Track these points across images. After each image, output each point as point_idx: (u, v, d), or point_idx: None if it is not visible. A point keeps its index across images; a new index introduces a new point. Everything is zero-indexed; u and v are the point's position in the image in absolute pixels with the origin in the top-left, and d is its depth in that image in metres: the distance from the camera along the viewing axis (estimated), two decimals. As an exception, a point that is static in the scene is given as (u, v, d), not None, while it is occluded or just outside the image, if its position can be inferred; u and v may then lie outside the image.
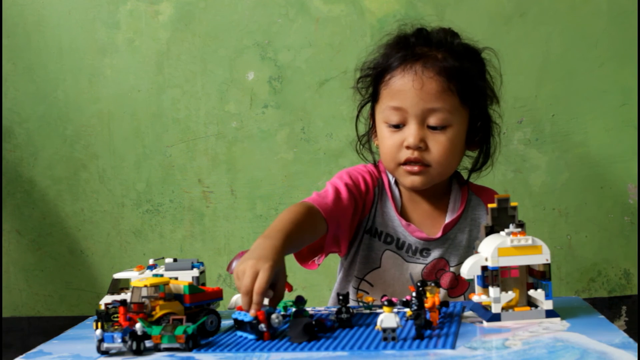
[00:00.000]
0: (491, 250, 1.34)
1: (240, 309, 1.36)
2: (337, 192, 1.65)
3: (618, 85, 2.26)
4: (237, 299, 1.47)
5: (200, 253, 2.36)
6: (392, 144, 1.65)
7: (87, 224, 2.41)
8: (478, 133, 1.70)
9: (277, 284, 1.38)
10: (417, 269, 1.69)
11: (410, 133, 1.63)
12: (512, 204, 1.41)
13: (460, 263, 1.69)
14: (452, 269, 1.70)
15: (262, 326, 1.31)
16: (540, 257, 1.35)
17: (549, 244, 1.36)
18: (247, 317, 1.32)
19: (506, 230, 1.37)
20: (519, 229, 1.36)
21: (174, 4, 2.34)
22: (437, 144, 1.63)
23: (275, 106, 2.33)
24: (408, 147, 1.63)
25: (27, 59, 2.39)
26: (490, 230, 1.41)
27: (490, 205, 1.42)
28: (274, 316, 1.31)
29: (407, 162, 1.64)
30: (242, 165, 2.36)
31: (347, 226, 1.67)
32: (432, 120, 1.62)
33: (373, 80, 1.71)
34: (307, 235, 1.56)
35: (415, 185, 1.66)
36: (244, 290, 1.34)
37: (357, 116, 1.76)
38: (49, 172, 2.41)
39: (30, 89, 2.39)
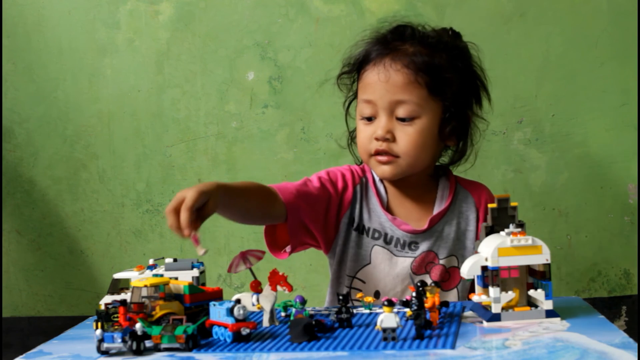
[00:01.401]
0: (491, 250, 1.34)
1: (210, 322, 1.35)
2: (305, 181, 1.70)
3: (618, 85, 2.26)
4: (238, 298, 1.47)
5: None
6: (364, 136, 1.70)
7: (87, 224, 2.41)
8: (451, 125, 1.69)
9: (203, 207, 1.41)
10: (406, 262, 1.71)
11: (380, 125, 1.67)
12: (512, 204, 1.42)
13: (449, 255, 1.72)
14: (441, 262, 1.72)
15: (243, 330, 1.31)
16: (540, 257, 1.35)
17: (549, 244, 1.36)
18: (224, 336, 1.32)
19: (506, 230, 1.37)
20: (519, 229, 1.36)
21: (174, 4, 2.34)
22: (405, 135, 1.66)
23: (275, 106, 2.34)
24: (377, 139, 1.67)
25: (27, 59, 2.39)
26: (490, 230, 1.41)
27: (490, 205, 1.42)
28: (235, 310, 1.31)
29: (377, 153, 1.68)
30: (242, 165, 2.36)
31: (320, 219, 1.70)
32: (400, 112, 1.66)
33: (354, 77, 1.76)
34: (255, 203, 1.59)
35: (385, 175, 1.70)
36: (169, 208, 1.38)
37: (346, 113, 1.81)
38: (49, 172, 2.41)
39: (30, 89, 2.39)
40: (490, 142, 2.28)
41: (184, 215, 1.37)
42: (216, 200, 1.43)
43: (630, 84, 2.26)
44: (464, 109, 1.71)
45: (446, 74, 1.67)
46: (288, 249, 1.68)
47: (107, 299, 1.51)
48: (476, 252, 1.40)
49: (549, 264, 1.35)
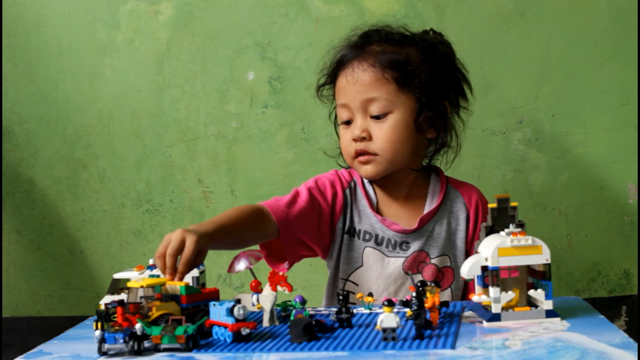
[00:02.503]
0: (491, 250, 1.34)
1: (210, 322, 1.35)
2: (295, 195, 1.72)
3: (618, 85, 2.26)
4: (238, 298, 1.47)
5: (200, 253, 2.36)
6: (345, 140, 1.73)
7: (87, 224, 2.41)
8: (425, 116, 1.70)
9: (195, 259, 1.43)
10: (397, 262, 1.71)
11: (356, 126, 1.70)
12: (512, 204, 1.42)
13: (440, 255, 1.72)
14: (433, 261, 1.73)
15: (243, 330, 1.31)
16: (540, 257, 1.35)
17: (549, 244, 1.37)
18: (224, 336, 1.32)
19: (506, 230, 1.37)
20: (519, 229, 1.36)
21: (174, 4, 2.34)
22: (380, 132, 1.69)
23: (275, 106, 2.34)
24: (355, 140, 1.70)
25: (27, 59, 2.39)
26: (490, 230, 1.41)
27: (490, 205, 1.42)
28: (235, 310, 1.31)
29: (357, 153, 1.71)
30: (242, 165, 2.36)
31: (314, 231, 1.71)
32: (373, 110, 1.69)
33: (332, 86, 1.79)
34: (248, 233, 1.60)
35: (368, 174, 1.72)
36: (170, 251, 1.40)
37: (334, 123, 1.83)
38: (49, 172, 2.41)
39: (30, 89, 2.39)
40: (490, 142, 2.28)
41: (182, 269, 1.41)
42: (206, 252, 1.47)
43: (630, 84, 2.26)
44: (439, 100, 1.72)
45: (413, 66, 1.69)
46: (286, 265, 1.69)
47: (107, 299, 1.51)
48: (476, 252, 1.40)
49: (549, 264, 1.35)
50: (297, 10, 2.31)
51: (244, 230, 1.59)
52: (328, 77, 1.79)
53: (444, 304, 1.37)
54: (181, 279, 1.41)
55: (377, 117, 1.68)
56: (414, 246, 1.72)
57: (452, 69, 1.76)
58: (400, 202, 1.76)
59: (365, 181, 1.78)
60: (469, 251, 1.74)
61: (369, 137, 1.69)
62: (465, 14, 2.27)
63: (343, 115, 1.73)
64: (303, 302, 1.44)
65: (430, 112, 1.70)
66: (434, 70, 1.71)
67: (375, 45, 1.72)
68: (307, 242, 1.71)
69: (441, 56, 1.74)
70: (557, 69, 2.27)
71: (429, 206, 1.75)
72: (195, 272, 1.53)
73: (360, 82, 1.69)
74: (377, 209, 1.75)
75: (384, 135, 1.68)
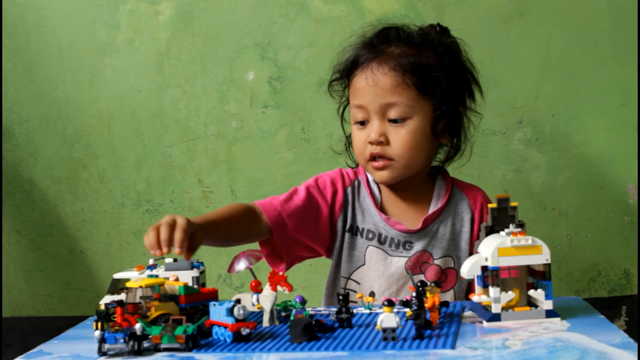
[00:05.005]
0: (491, 250, 1.34)
1: (210, 322, 1.35)
2: (292, 193, 1.72)
3: (618, 85, 2.26)
4: (238, 298, 1.47)
5: (200, 253, 2.35)
6: (359, 141, 1.71)
7: (87, 224, 2.41)
8: (443, 123, 1.70)
9: (191, 242, 1.44)
10: (400, 262, 1.71)
11: (373, 129, 1.68)
12: (512, 204, 1.42)
13: (443, 256, 1.72)
14: (436, 262, 1.72)
15: (243, 330, 1.31)
16: (540, 257, 1.35)
17: (549, 244, 1.37)
18: (224, 336, 1.32)
19: (506, 230, 1.37)
20: (519, 229, 1.36)
21: (174, 4, 2.34)
22: (398, 137, 1.67)
23: (275, 106, 2.34)
24: (371, 143, 1.68)
25: (27, 59, 2.39)
26: (490, 230, 1.41)
27: (490, 205, 1.42)
28: (235, 310, 1.31)
29: (373, 157, 1.69)
30: (242, 165, 2.36)
31: (311, 230, 1.71)
32: (392, 114, 1.67)
33: (345, 83, 1.77)
34: (236, 230, 1.62)
35: (383, 179, 1.70)
36: (165, 225, 1.41)
37: (341, 118, 1.82)
38: (49, 172, 2.41)
39: (30, 89, 2.39)
40: (490, 142, 2.28)
41: (180, 235, 1.40)
42: (200, 238, 1.47)
43: (630, 84, 2.26)
44: (455, 105, 1.71)
45: (434, 72, 1.68)
46: (284, 266, 1.69)
47: (107, 299, 1.51)
48: (476, 252, 1.40)
49: (549, 264, 1.35)
50: (297, 10, 2.31)
51: (233, 227, 1.60)
52: (341, 72, 1.76)
53: (444, 304, 1.37)
54: (182, 249, 1.39)
55: (394, 121, 1.67)
56: (417, 246, 1.72)
57: (464, 70, 1.75)
58: (406, 202, 1.75)
59: (371, 180, 1.77)
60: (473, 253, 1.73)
61: (386, 142, 1.67)
62: (465, 14, 2.27)
63: (358, 115, 1.70)
64: (303, 302, 1.44)
65: (447, 118, 1.69)
66: (452, 77, 1.70)
67: (394, 46, 1.69)
68: (306, 242, 1.71)
69: (458, 61, 1.73)
70: (557, 69, 2.27)
71: (433, 207, 1.75)
72: (195, 272, 1.53)
73: (380, 85, 1.66)
74: (381, 208, 1.75)
75: (402, 140, 1.66)
